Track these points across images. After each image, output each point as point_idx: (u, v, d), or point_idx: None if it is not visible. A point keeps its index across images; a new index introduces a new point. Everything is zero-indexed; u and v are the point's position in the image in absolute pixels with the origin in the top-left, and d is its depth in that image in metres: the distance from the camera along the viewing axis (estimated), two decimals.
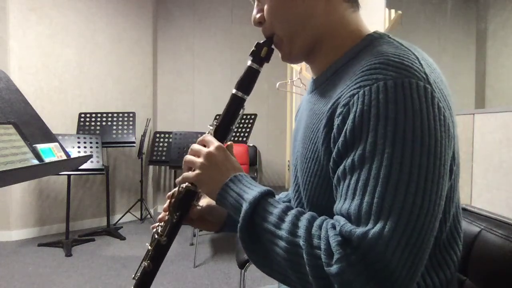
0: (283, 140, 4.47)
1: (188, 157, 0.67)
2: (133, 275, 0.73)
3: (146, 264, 0.71)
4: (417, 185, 0.46)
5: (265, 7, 0.64)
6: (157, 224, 0.74)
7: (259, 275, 2.44)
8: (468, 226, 0.74)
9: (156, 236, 0.71)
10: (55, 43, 3.31)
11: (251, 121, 3.38)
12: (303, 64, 2.47)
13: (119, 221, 3.68)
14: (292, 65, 2.97)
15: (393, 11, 1.84)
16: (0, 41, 3.05)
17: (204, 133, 0.72)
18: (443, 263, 0.57)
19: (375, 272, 0.44)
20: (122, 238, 3.22)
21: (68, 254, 2.78)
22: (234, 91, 0.68)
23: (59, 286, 2.27)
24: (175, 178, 3.98)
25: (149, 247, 0.72)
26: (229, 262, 2.67)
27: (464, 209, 0.79)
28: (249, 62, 0.68)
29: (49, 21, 3.27)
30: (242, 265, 1.32)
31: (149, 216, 3.85)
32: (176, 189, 0.72)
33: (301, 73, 2.51)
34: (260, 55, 0.67)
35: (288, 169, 4.37)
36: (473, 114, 1.41)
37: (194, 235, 2.97)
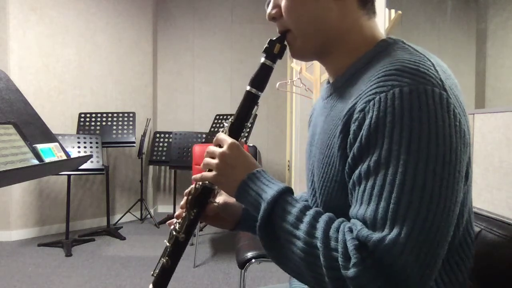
0: (283, 140, 4.47)
1: (206, 160, 0.68)
2: (152, 272, 0.75)
3: (164, 260, 0.72)
4: (432, 191, 0.46)
5: (282, 3, 0.65)
6: (174, 221, 0.75)
7: (259, 275, 2.44)
8: None
9: (174, 233, 0.73)
10: (55, 43, 3.31)
11: (251, 121, 3.38)
12: (303, 64, 2.46)
13: (119, 221, 3.67)
14: (292, 65, 2.97)
15: (393, 11, 1.84)
16: (0, 41, 3.05)
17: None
18: (455, 267, 0.58)
19: (391, 277, 0.45)
20: (122, 238, 3.21)
21: (68, 254, 2.77)
22: (248, 88, 0.69)
23: (59, 286, 2.27)
24: (175, 178, 3.98)
25: (167, 244, 0.74)
26: (229, 262, 2.67)
27: None
28: (262, 59, 0.69)
29: (49, 21, 3.27)
30: (242, 265, 1.32)
31: (149, 216, 3.84)
32: (193, 186, 0.73)
33: (301, 73, 2.50)
34: (273, 52, 0.68)
35: (288, 169, 4.37)
36: (473, 114, 1.41)
37: (194, 235, 2.97)
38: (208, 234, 3.38)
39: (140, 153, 3.69)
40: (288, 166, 4.37)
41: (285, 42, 0.68)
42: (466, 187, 0.55)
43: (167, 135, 3.89)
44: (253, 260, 1.30)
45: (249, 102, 0.70)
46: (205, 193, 0.72)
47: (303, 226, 0.53)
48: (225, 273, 2.49)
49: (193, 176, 0.71)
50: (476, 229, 0.72)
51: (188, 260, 2.68)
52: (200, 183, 0.72)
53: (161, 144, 3.86)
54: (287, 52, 0.70)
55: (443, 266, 0.56)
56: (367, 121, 0.50)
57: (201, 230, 3.38)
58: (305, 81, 2.57)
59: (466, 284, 0.60)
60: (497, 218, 0.72)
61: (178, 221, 0.74)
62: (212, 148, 0.68)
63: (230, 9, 4.32)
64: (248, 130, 0.73)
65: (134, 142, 3.35)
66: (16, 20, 3.09)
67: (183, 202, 0.74)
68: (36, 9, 3.19)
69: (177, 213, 0.76)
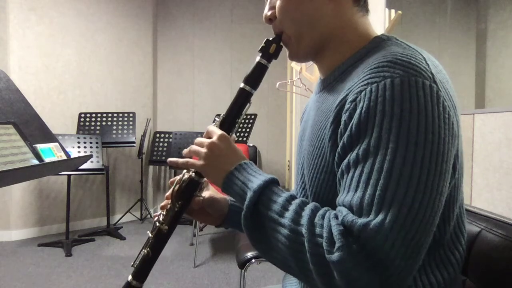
0: (283, 140, 4.47)
1: (193, 147, 0.68)
2: (132, 263, 0.73)
3: (145, 251, 0.72)
4: (419, 179, 0.47)
5: (277, 4, 0.65)
6: (159, 212, 0.75)
7: (259, 275, 2.44)
8: (468, 226, 0.74)
9: (158, 224, 0.72)
10: (55, 43, 3.31)
11: (251, 121, 3.38)
12: (304, 64, 2.46)
13: (119, 221, 3.68)
14: (292, 65, 2.97)
15: (393, 11, 1.84)
16: (0, 41, 3.05)
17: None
18: (446, 262, 0.58)
19: (374, 262, 0.45)
20: (122, 238, 3.22)
21: (68, 254, 2.78)
22: (242, 85, 0.70)
23: (59, 286, 2.27)
24: None
25: (150, 235, 0.73)
26: (229, 262, 2.67)
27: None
28: (258, 58, 0.69)
29: (49, 21, 3.27)
30: (242, 265, 1.32)
31: (149, 216, 3.85)
32: (179, 177, 0.73)
33: (301, 73, 2.50)
34: (269, 52, 0.68)
35: (288, 169, 4.37)
36: (473, 114, 1.41)
37: (194, 235, 2.97)
38: (208, 234, 3.38)
39: (140, 153, 3.70)
40: (288, 166, 4.37)
41: (281, 43, 0.68)
42: (454, 180, 0.55)
43: (167, 135, 3.89)
44: (253, 260, 1.30)
45: (242, 99, 0.70)
46: (191, 185, 0.71)
47: (289, 214, 0.53)
48: (225, 273, 2.49)
49: (179, 160, 0.69)
50: (476, 229, 0.72)
51: (188, 260, 2.69)
52: (187, 175, 0.71)
53: (161, 144, 3.86)
54: (287, 52, 0.70)
55: (434, 260, 0.57)
56: (357, 111, 0.51)
57: (201, 230, 3.39)
58: (305, 81, 2.57)
59: (458, 279, 0.61)
60: (497, 218, 0.71)
61: (162, 212, 0.73)
62: (201, 139, 0.68)
63: (230, 9, 4.32)
64: (239, 127, 0.73)
65: (134, 142, 3.35)
66: (16, 20, 3.09)
67: (169, 192, 0.73)
68: (36, 9, 3.19)
69: (162, 204, 0.75)
